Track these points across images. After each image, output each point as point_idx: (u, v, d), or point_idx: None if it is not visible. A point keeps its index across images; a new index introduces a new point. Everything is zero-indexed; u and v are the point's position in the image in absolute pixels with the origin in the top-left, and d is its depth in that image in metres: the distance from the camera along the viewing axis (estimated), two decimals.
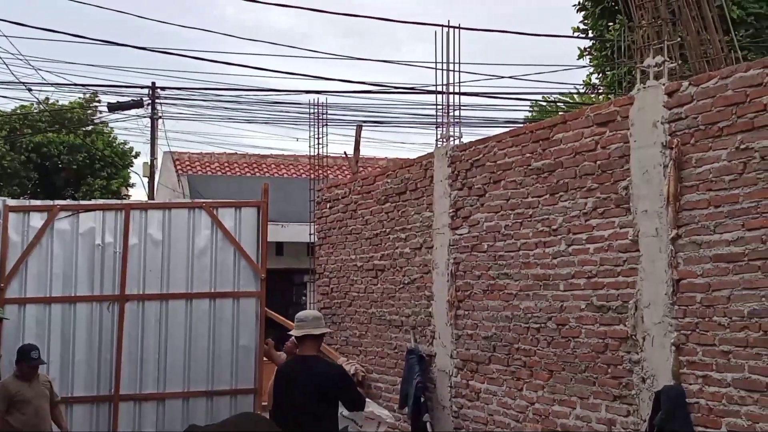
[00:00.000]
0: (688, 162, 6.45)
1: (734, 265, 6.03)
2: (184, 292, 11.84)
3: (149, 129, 26.30)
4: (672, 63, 7.00)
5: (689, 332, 6.37)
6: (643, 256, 6.80)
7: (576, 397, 7.46)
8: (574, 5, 19.25)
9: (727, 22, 8.96)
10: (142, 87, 26.16)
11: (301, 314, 8.09)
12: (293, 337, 8.31)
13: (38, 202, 12.34)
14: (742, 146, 6.00)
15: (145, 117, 26.53)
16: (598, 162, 7.32)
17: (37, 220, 11.43)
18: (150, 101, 25.96)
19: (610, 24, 17.53)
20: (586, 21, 19.16)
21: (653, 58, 6.98)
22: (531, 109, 25.91)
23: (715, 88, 6.26)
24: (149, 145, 26.60)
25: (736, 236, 6.02)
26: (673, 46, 7.22)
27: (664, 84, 6.76)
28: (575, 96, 23.80)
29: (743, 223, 5.97)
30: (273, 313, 12.41)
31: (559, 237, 7.72)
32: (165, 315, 11.75)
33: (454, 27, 9.78)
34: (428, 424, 9.17)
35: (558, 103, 24.27)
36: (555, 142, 7.84)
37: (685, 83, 6.56)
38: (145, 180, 27.88)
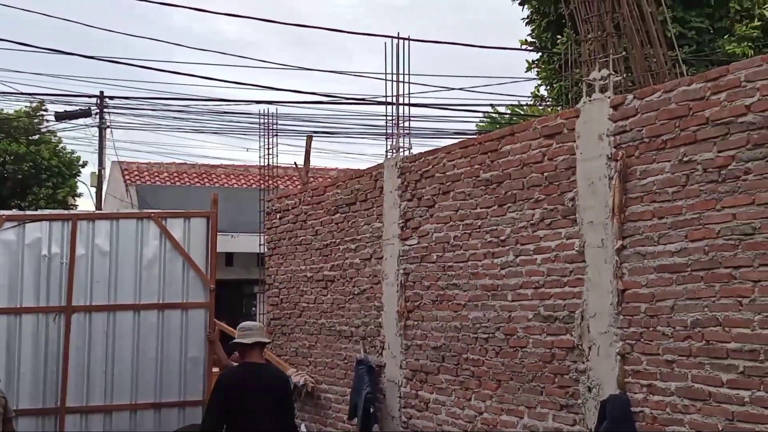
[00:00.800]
0: (632, 174, 6.56)
1: (678, 275, 6.14)
2: (132, 303, 11.79)
3: (97, 138, 26.06)
4: (617, 76, 7.12)
5: (634, 342, 6.47)
6: (589, 266, 6.90)
7: (524, 406, 7.53)
8: (523, 18, 19.47)
9: (670, 38, 9.12)
10: (90, 96, 25.96)
11: (246, 324, 8.10)
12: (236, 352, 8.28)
13: None
14: (685, 159, 6.12)
15: (93, 126, 26.31)
16: (545, 173, 7.41)
17: None
18: (98, 110, 25.73)
19: (558, 37, 17.74)
20: (533, 34, 19.37)
21: (598, 71, 7.10)
22: (482, 120, 26.11)
23: (659, 101, 6.38)
24: (97, 154, 26.35)
25: (680, 247, 6.13)
26: (618, 60, 7.34)
27: (609, 97, 6.87)
28: (524, 108, 24.03)
29: (686, 234, 6.09)
30: (222, 324, 12.35)
31: (507, 248, 7.79)
32: (112, 326, 11.68)
33: (404, 38, 9.84)
34: None
35: (507, 114, 24.48)
36: (503, 154, 7.93)
37: (630, 96, 6.68)
38: (93, 190, 27.62)
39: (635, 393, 6.45)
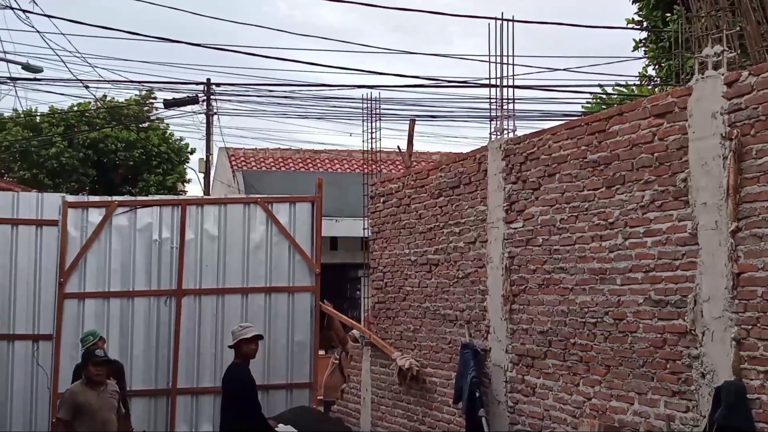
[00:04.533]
0: (748, 153, 6.33)
1: None
2: (240, 287, 12.02)
3: (204, 125, 26.55)
4: (731, 53, 6.87)
5: (750, 327, 6.26)
6: (702, 249, 6.69)
7: (634, 392, 7.37)
8: None
9: None
10: (197, 83, 26.48)
11: (245, 323, 10.25)
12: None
13: (96, 198, 12.61)
14: None
15: (200, 113, 26.82)
16: (656, 154, 7.22)
17: (95, 216, 11.67)
18: (205, 97, 26.20)
19: (666, 15, 17.28)
20: (641, 12, 18.93)
21: (712, 48, 6.86)
22: (589, 101, 25.66)
23: None
24: (204, 141, 26.86)
25: None
26: (732, 36, 7.09)
27: (723, 74, 6.64)
28: (631, 88, 23.53)
29: None
30: (328, 307, 12.46)
31: (616, 230, 7.62)
32: (221, 309, 11.95)
33: (508, 20, 9.69)
34: (483, 420, 9.12)
35: (615, 95, 23.99)
36: (611, 135, 7.75)
37: (745, 73, 6.44)
38: (201, 176, 28.19)
39: (751, 380, 6.24)
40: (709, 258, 6.60)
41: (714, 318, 6.55)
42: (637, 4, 19.12)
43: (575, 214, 8.15)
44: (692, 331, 6.76)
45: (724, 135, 6.52)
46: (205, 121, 26.43)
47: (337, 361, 13.67)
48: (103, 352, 9.16)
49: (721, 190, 6.49)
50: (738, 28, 7.41)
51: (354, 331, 12.83)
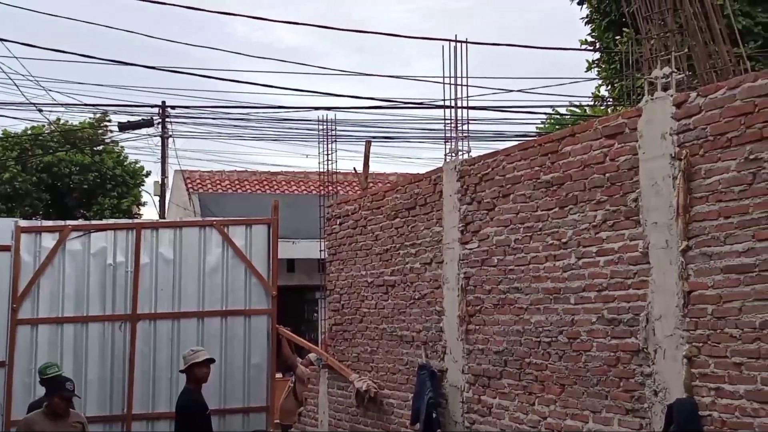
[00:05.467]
0: (697, 173, 6.43)
1: (745, 276, 5.99)
2: (196, 311, 11.94)
3: (160, 148, 26.41)
4: (680, 74, 6.99)
5: (701, 344, 6.34)
6: (653, 268, 6.77)
7: (588, 411, 7.42)
8: (582, 18, 19.29)
9: (734, 33, 8.94)
10: (152, 106, 26.30)
11: (196, 347, 10.26)
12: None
13: (50, 223, 12.49)
14: (751, 156, 5.98)
15: (155, 136, 26.66)
16: (607, 174, 7.31)
17: (48, 241, 11.53)
18: (160, 120, 26.07)
19: (618, 37, 17.53)
20: (593, 33, 19.19)
21: (661, 69, 6.97)
22: (544, 122, 25.90)
23: (723, 98, 6.25)
24: (160, 163, 26.70)
25: (747, 247, 5.99)
26: (681, 58, 7.21)
27: (672, 95, 6.75)
28: (585, 108, 23.79)
29: (753, 233, 5.94)
30: (285, 330, 12.42)
31: (569, 250, 7.69)
32: (177, 333, 11.84)
33: (461, 41, 9.78)
34: None
35: (569, 116, 24.24)
36: (564, 155, 7.83)
37: (693, 94, 6.55)
38: (156, 199, 28.01)
39: (703, 396, 6.31)
40: (661, 277, 6.69)
41: (666, 336, 6.62)
42: (590, 25, 19.37)
43: (529, 234, 8.22)
44: (644, 350, 6.83)
45: (673, 155, 6.62)
46: (160, 143, 26.30)
47: (293, 384, 13.63)
48: (73, 386, 9.00)
49: (672, 209, 6.58)
50: (686, 50, 7.54)
51: (311, 354, 12.80)
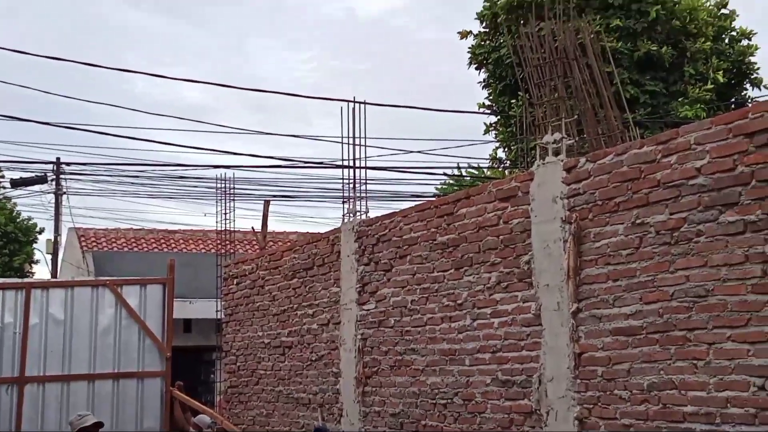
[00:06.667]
0: (587, 236, 6.58)
1: (633, 338, 6.12)
2: (87, 374, 11.61)
3: (53, 205, 25.82)
4: (570, 140, 7.17)
5: (591, 406, 6.42)
6: (545, 329, 6.86)
7: None
8: (479, 82, 19.67)
9: (622, 101, 9.23)
10: (46, 162, 25.73)
11: (83, 412, 9.73)
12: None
13: None
14: (638, 221, 6.14)
15: (49, 193, 26.06)
16: (501, 236, 7.41)
17: None
18: (54, 177, 25.52)
19: (513, 100, 17.92)
20: (490, 97, 19.57)
21: (551, 134, 7.14)
22: (443, 183, 26.22)
23: (611, 164, 6.42)
24: (53, 221, 26.08)
25: (635, 309, 6.12)
26: (571, 123, 7.40)
27: (562, 160, 6.91)
28: (483, 170, 24.20)
29: (641, 296, 6.08)
30: (179, 393, 12.15)
31: (465, 311, 7.75)
32: (66, 397, 11.50)
33: (360, 102, 9.88)
34: None
35: (468, 178, 24.62)
36: (459, 217, 7.92)
37: (583, 159, 6.72)
38: (49, 257, 27.29)
39: None
40: (552, 338, 6.78)
41: (558, 397, 6.69)
42: (487, 89, 19.76)
43: (426, 295, 8.26)
44: (537, 411, 6.89)
45: (564, 219, 6.76)
46: (54, 200, 25.72)
47: None
48: None
49: (562, 272, 6.70)
50: (576, 116, 7.75)
51: (204, 417, 12.55)
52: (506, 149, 20.19)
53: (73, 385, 11.50)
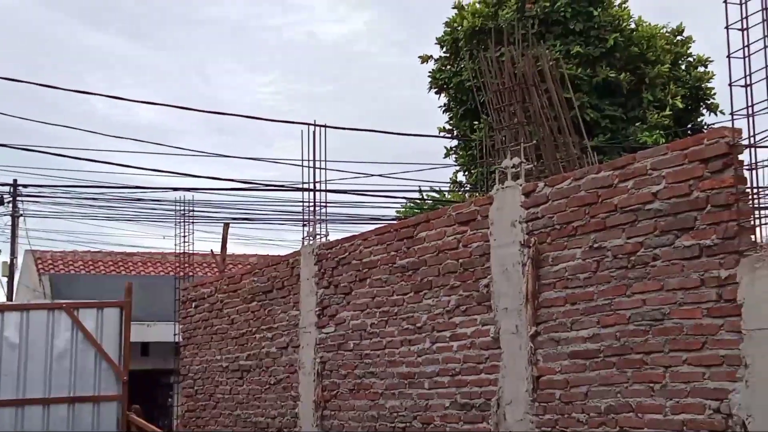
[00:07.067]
0: (545, 260, 6.61)
1: (591, 361, 6.16)
2: (42, 398, 11.47)
3: (9, 227, 25.49)
4: (528, 164, 7.22)
5: (549, 429, 6.44)
6: (504, 353, 6.88)
7: None
8: (440, 106, 19.78)
9: (581, 126, 9.32)
10: (2, 185, 25.40)
11: None
12: None
13: None
14: (596, 245, 6.19)
15: (5, 215, 25.72)
16: (461, 260, 7.43)
17: None
18: (11, 199, 25.21)
19: (474, 124, 18.03)
20: (451, 121, 19.68)
21: (510, 159, 7.19)
22: (403, 206, 26.27)
23: (569, 188, 6.48)
24: (9, 243, 25.74)
25: (592, 333, 6.16)
26: (530, 148, 7.46)
27: (521, 185, 6.95)
28: (443, 194, 24.28)
29: (598, 320, 6.12)
30: (135, 417, 12.02)
31: (424, 335, 7.75)
32: (21, 421, 11.35)
33: (320, 125, 9.89)
34: None
35: (429, 201, 24.66)
36: (419, 241, 7.94)
37: (541, 184, 6.77)
38: (5, 280, 26.90)
39: None
40: (511, 361, 6.80)
41: (516, 420, 6.70)
42: (448, 113, 19.86)
43: (385, 318, 8.25)
44: None
45: (522, 243, 6.80)
46: (10, 222, 25.39)
47: None
48: None
49: (521, 295, 6.73)
50: (535, 141, 7.81)
51: None
52: (467, 173, 20.29)
53: (28, 410, 11.35)
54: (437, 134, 20.22)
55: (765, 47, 5.44)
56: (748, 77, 5.51)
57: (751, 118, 5.47)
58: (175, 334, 12.41)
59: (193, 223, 12.83)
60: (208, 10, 74.46)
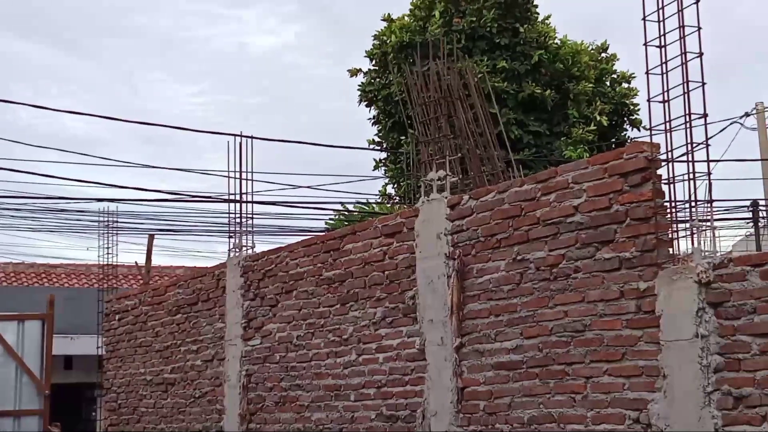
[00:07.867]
0: (470, 272, 6.67)
1: (514, 372, 6.22)
2: None
3: None
4: (453, 177, 7.29)
5: None
6: (429, 364, 6.92)
7: None
8: (369, 119, 19.84)
9: (505, 140, 9.45)
10: None
11: None
12: None
13: None
14: (519, 257, 6.27)
15: None
16: (387, 272, 7.46)
17: None
18: None
19: (402, 137, 18.12)
20: (380, 134, 19.75)
21: (436, 172, 7.25)
22: (332, 218, 26.24)
23: (493, 201, 6.55)
24: None
25: (516, 344, 6.23)
26: (456, 161, 7.53)
27: (446, 197, 7.01)
28: (373, 206, 24.33)
29: (522, 331, 6.20)
30: (55, 430, 11.81)
31: (350, 347, 7.76)
32: None
33: (247, 136, 9.86)
34: None
35: (357, 213, 24.69)
36: (345, 252, 7.95)
37: (466, 197, 6.83)
38: None
39: None
40: (436, 373, 6.84)
41: None
42: (377, 126, 19.93)
43: (311, 330, 8.24)
44: None
45: (447, 255, 6.85)
46: None
47: None
48: None
49: (446, 307, 6.78)
50: (460, 154, 7.89)
51: None
52: (395, 185, 20.37)
53: None
54: (366, 147, 20.27)
55: (682, 64, 5.58)
56: (666, 93, 5.64)
57: (669, 133, 5.60)
58: (98, 347, 12.22)
59: (117, 234, 12.67)
60: (137, 19, 73.70)
